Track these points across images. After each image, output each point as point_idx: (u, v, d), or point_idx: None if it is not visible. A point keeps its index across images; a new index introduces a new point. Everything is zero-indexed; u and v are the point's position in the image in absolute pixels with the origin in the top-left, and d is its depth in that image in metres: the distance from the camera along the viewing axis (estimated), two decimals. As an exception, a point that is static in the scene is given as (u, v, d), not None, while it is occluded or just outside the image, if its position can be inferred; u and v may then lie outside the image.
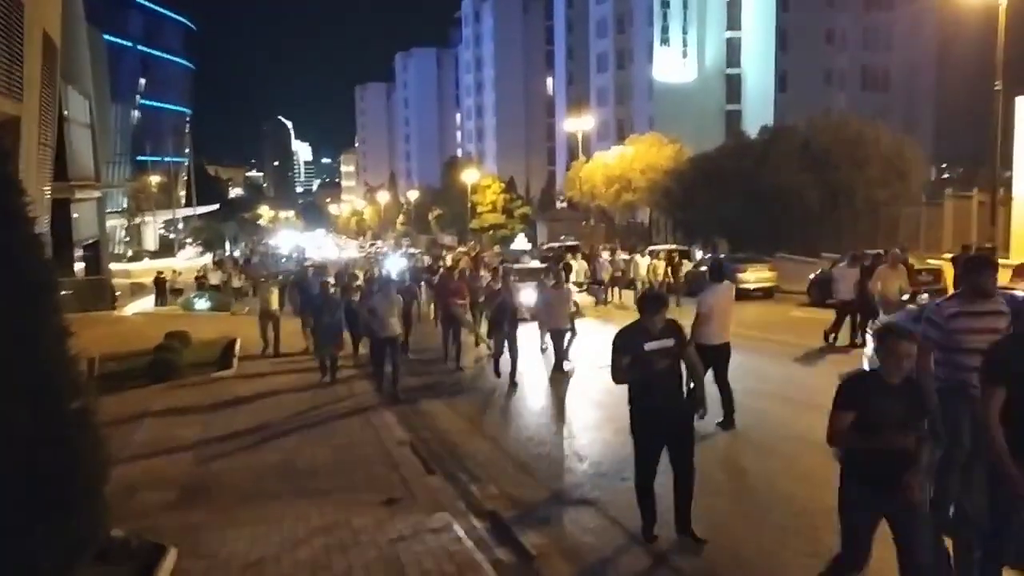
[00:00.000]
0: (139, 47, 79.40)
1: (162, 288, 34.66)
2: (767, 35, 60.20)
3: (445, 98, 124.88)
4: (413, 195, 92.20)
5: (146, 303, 32.78)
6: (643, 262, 24.16)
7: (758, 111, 56.03)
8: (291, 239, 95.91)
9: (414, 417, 10.52)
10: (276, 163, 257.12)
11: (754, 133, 39.96)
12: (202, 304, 29.49)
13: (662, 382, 5.54)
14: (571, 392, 11.74)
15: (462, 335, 14.75)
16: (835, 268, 15.07)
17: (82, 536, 4.76)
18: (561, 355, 12.99)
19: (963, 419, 5.00)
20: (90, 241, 31.61)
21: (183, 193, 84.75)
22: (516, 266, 24.68)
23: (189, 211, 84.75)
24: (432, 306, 18.46)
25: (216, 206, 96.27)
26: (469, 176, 64.83)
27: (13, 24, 12.85)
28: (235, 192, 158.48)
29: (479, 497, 7.06)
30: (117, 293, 30.49)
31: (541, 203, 76.59)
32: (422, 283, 21.20)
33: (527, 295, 16.88)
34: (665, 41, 61.98)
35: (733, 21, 62.26)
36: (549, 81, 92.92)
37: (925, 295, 12.75)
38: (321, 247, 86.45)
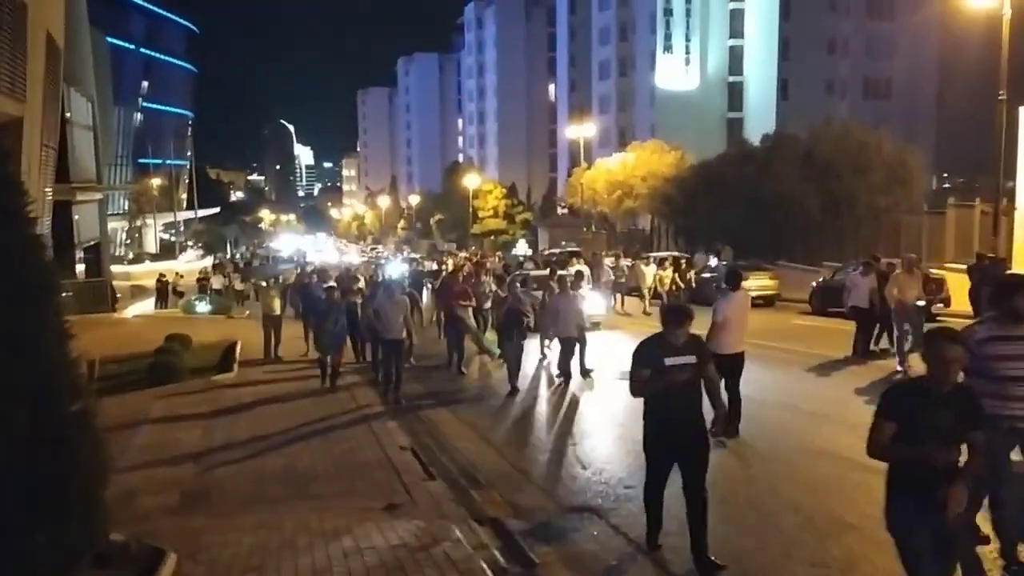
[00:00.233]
0: (142, 50, 79.63)
1: (164, 291, 34.63)
2: (769, 43, 60.36)
3: (447, 103, 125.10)
4: (414, 200, 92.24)
5: (146, 306, 32.76)
6: (648, 269, 24.02)
7: (760, 119, 56.15)
8: (292, 243, 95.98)
9: (416, 423, 10.46)
10: (278, 167, 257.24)
11: (755, 141, 39.98)
12: (203, 307, 29.46)
13: (680, 398, 5.32)
14: (573, 399, 11.67)
15: (464, 340, 14.66)
16: (848, 276, 14.77)
17: (81, 539, 4.72)
18: (581, 362, 12.62)
19: (1001, 455, 4.76)
20: (91, 243, 31.59)
21: (184, 196, 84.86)
22: (534, 273, 22.76)
23: (190, 214, 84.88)
24: (435, 311, 18.18)
25: (217, 209, 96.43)
26: (471, 181, 64.89)
27: (17, 25, 12.84)
28: (236, 195, 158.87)
29: (481, 503, 7.00)
30: (117, 295, 30.46)
31: (542, 209, 76.67)
32: (424, 288, 21.05)
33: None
34: (668, 49, 62.13)
35: (735, 29, 62.47)
36: (551, 87, 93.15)
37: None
38: (322, 251, 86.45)
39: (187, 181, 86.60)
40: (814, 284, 22.16)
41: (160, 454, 8.92)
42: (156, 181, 75.52)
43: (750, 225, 31.95)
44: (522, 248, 59.17)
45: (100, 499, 4.90)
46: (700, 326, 9.12)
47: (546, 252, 47.63)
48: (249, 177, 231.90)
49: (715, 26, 62.45)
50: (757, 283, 23.68)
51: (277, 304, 16.64)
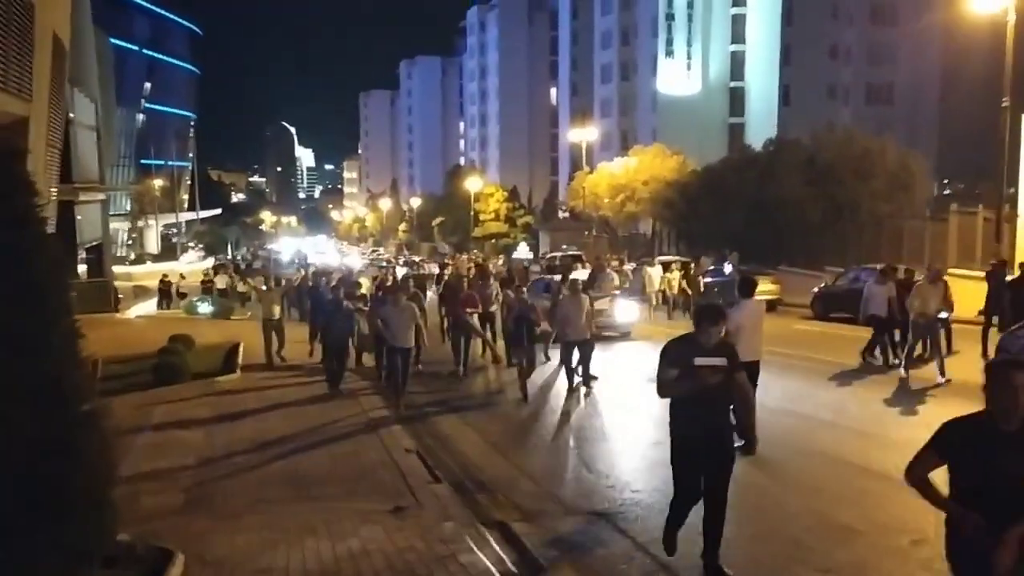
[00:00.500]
0: (145, 51, 79.85)
1: (167, 292, 34.62)
2: (771, 49, 60.41)
3: (449, 106, 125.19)
4: (415, 202, 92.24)
5: (148, 306, 32.76)
6: (655, 273, 23.91)
7: (761, 124, 56.18)
8: (293, 244, 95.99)
9: (421, 426, 10.44)
10: (279, 168, 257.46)
11: (757, 146, 40.03)
12: (205, 308, 29.45)
13: (710, 400, 5.05)
14: (581, 403, 11.64)
15: (472, 342, 14.63)
16: (866, 286, 14.58)
17: (87, 540, 4.69)
18: (587, 368, 12.23)
19: None
20: (93, 243, 31.63)
21: (186, 197, 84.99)
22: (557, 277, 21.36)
23: (192, 215, 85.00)
24: (441, 315, 17.94)
25: (218, 210, 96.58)
26: (472, 184, 64.95)
27: (25, 25, 12.84)
28: (238, 197, 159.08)
29: (487, 507, 6.99)
30: (120, 296, 30.46)
31: (544, 213, 76.73)
32: (425, 293, 20.93)
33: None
34: (670, 53, 62.22)
35: (737, 35, 62.55)
36: (553, 91, 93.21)
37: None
38: (323, 252, 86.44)
39: (189, 182, 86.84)
40: (816, 289, 22.14)
41: (163, 455, 8.90)
42: (158, 182, 75.61)
43: (752, 230, 32.00)
44: (523, 251, 59.20)
45: (108, 500, 4.87)
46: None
47: (547, 256, 47.71)
48: (250, 179, 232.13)
49: (717, 31, 62.53)
50: (759, 288, 23.60)
51: (277, 308, 16.52)
